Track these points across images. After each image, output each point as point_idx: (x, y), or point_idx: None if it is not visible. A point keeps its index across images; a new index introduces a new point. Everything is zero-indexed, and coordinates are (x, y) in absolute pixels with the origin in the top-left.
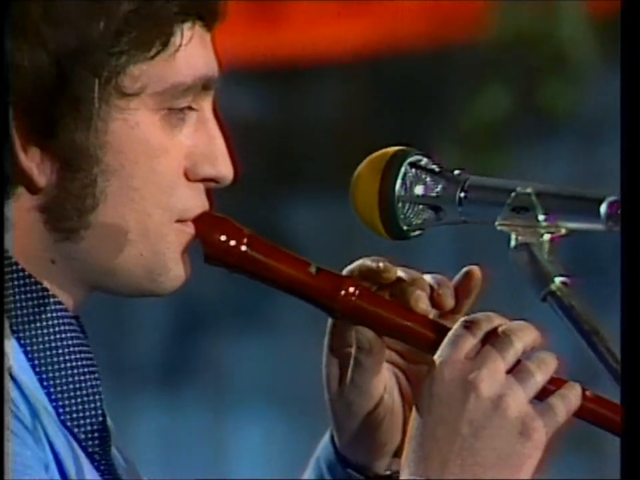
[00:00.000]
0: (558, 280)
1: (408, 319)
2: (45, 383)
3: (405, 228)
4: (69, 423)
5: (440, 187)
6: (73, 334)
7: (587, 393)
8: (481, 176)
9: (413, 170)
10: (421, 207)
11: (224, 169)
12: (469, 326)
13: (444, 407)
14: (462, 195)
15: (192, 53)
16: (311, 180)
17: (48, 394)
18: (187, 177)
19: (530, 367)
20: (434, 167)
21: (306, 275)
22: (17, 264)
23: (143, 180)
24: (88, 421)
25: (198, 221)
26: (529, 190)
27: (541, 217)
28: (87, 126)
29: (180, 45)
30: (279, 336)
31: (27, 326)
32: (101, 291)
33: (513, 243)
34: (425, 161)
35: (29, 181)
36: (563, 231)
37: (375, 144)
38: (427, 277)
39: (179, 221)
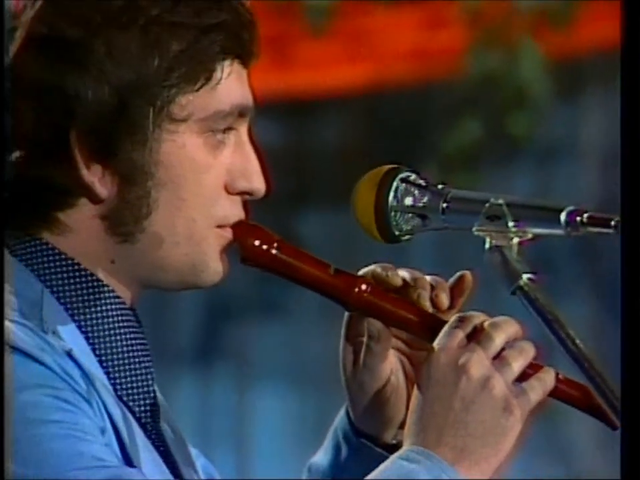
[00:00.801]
0: (525, 277)
1: (411, 313)
2: (103, 364)
3: (396, 233)
4: (125, 398)
5: (426, 198)
6: (129, 322)
7: (560, 376)
8: (460, 190)
9: (404, 184)
10: (410, 215)
11: (258, 184)
12: (461, 320)
13: (440, 387)
14: (445, 205)
15: (231, 85)
16: (319, 195)
17: (106, 373)
18: (227, 190)
19: (512, 354)
20: (421, 182)
21: (326, 275)
22: (78, 264)
23: (190, 192)
24: (141, 396)
25: (235, 227)
26: (500, 201)
27: (510, 224)
28: (142, 146)
29: (221, 79)
30: (296, 324)
31: (87, 315)
32: (153, 287)
33: (487, 245)
34: (413, 176)
35: (91, 193)
36: (530, 236)
37: (372, 165)
38: (428, 278)
39: (219, 226)
